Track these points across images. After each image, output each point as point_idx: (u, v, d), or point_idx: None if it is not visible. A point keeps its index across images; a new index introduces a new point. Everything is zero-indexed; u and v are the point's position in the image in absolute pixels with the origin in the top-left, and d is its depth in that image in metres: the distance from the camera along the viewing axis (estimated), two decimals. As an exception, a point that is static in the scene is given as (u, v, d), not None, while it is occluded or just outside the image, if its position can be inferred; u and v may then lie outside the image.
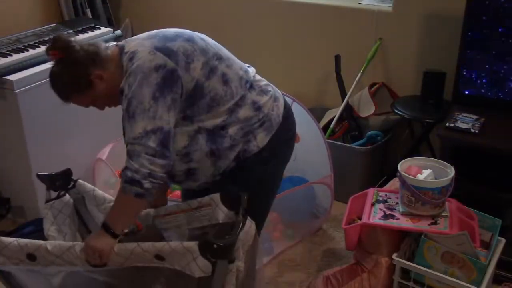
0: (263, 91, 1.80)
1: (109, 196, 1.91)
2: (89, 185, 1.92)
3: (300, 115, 2.72)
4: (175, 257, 1.55)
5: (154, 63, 1.60)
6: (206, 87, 1.67)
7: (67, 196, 1.90)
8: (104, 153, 2.83)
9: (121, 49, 1.69)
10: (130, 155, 1.58)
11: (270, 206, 1.95)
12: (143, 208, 1.74)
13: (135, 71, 1.60)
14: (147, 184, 1.57)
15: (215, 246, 1.49)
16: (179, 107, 1.65)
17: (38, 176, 1.88)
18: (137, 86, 1.58)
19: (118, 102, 1.69)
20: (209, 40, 1.78)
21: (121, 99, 1.64)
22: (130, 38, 1.77)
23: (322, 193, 2.78)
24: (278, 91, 1.89)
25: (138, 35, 1.75)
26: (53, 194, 1.89)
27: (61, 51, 1.67)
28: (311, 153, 2.82)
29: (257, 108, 1.76)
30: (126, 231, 1.72)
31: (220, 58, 1.73)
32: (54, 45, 1.68)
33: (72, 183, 1.90)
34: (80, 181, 1.91)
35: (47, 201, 1.86)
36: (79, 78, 1.67)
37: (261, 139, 1.76)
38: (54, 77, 1.70)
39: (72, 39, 1.70)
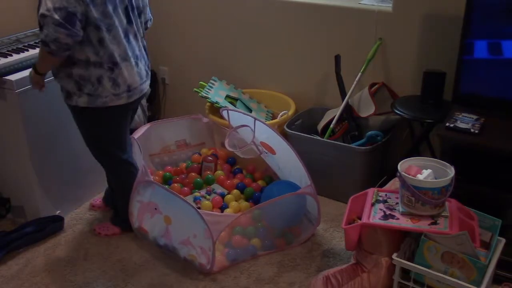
0: None
1: None
2: None
3: (270, 130, 2.74)
4: None
5: None
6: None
7: None
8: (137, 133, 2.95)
9: None
10: (42, 24, 2.15)
11: None
12: (55, 62, 2.30)
13: None
14: (53, 46, 2.16)
15: None
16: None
17: None
18: None
19: None
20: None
21: None
22: None
23: (309, 202, 2.77)
24: None
25: None
26: None
27: None
28: (289, 164, 2.81)
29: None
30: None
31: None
32: None
33: None
34: None
35: None
36: None
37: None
38: None
39: None
